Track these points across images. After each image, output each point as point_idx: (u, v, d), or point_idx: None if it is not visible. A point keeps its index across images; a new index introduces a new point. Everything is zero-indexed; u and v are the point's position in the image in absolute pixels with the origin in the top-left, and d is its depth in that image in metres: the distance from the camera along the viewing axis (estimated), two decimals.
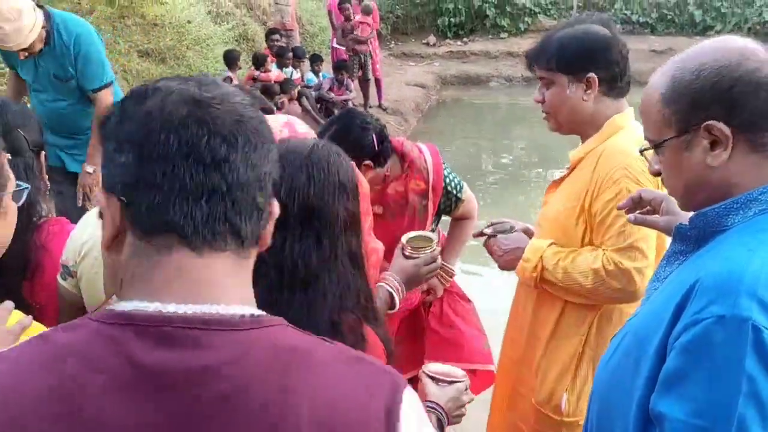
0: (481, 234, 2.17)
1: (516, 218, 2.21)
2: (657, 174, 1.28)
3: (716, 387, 0.98)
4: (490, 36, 16.20)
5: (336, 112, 9.06)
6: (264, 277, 1.02)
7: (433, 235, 2.07)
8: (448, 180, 2.59)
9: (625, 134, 1.90)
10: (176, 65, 7.56)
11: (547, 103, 1.96)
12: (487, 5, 16.21)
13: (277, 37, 9.24)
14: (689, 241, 1.21)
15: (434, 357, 2.50)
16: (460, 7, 16.28)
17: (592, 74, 1.87)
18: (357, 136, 2.34)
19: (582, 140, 1.99)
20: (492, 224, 2.16)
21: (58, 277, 1.53)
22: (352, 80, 9.63)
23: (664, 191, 1.43)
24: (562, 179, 2.03)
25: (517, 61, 14.41)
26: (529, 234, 2.10)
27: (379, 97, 10.37)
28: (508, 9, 16.25)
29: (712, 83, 1.10)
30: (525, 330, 2.09)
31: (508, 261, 2.04)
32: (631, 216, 1.59)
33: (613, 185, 1.81)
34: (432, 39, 16.27)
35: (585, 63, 1.87)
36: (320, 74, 9.69)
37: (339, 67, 9.39)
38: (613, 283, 1.82)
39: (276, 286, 1.17)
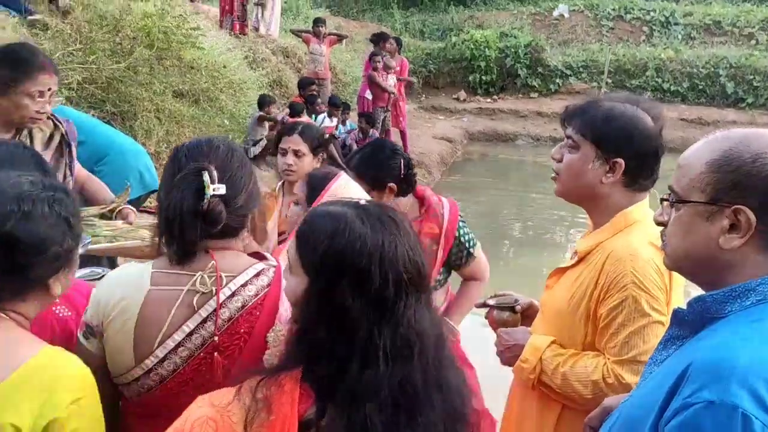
0: (484, 305, 2.13)
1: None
2: (660, 224, 1.27)
3: None
4: (520, 95, 16.38)
5: None
6: None
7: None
8: (462, 231, 2.67)
9: (637, 230, 1.80)
10: (209, 107, 7.76)
11: (563, 165, 1.86)
12: (519, 65, 16.43)
13: (314, 87, 9.45)
14: (686, 326, 1.20)
15: None
16: (492, 65, 16.52)
17: (620, 160, 1.77)
18: (386, 158, 2.60)
19: (589, 217, 1.92)
20: (495, 296, 2.13)
21: (80, 336, 1.50)
22: (377, 131, 9.77)
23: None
24: (567, 268, 1.93)
25: (545, 121, 14.54)
26: (533, 311, 2.06)
27: (405, 148, 10.49)
28: (540, 70, 16.45)
29: (764, 176, 1.11)
30: (522, 428, 1.99)
31: (508, 358, 1.96)
32: None
33: (619, 292, 1.72)
34: (462, 94, 16.49)
35: (619, 145, 1.77)
36: (347, 123, 9.84)
37: (363, 116, 9.58)
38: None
39: None
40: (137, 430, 1.52)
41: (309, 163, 2.84)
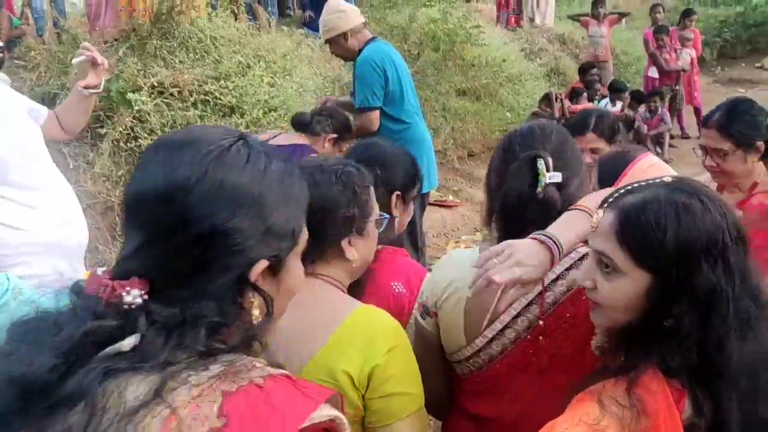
0: None
1: None
2: None
3: None
4: None
5: (649, 144, 8.60)
6: None
7: None
8: None
9: None
10: (490, 102, 7.94)
11: None
12: None
13: (595, 70, 9.12)
14: None
15: None
16: None
17: None
18: (754, 113, 2.38)
19: None
20: None
21: (417, 316, 1.63)
22: (666, 110, 9.06)
23: None
24: None
25: None
26: None
27: (699, 127, 9.55)
28: None
29: None
30: None
31: None
32: None
33: None
34: (767, 62, 14.48)
35: None
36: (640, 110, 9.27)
37: (651, 95, 8.97)
38: None
39: None
40: (466, 405, 1.61)
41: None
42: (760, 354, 1.12)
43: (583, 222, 1.34)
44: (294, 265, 0.98)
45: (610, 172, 1.85)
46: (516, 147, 1.51)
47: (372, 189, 1.56)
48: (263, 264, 0.89)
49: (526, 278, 1.28)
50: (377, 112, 3.98)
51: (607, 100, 8.77)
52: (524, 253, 1.29)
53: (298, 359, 1.38)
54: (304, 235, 0.98)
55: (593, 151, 2.76)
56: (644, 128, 8.76)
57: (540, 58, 10.34)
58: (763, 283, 1.17)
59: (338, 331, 1.39)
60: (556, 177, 1.42)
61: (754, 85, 13.76)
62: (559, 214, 1.43)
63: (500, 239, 1.49)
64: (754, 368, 1.11)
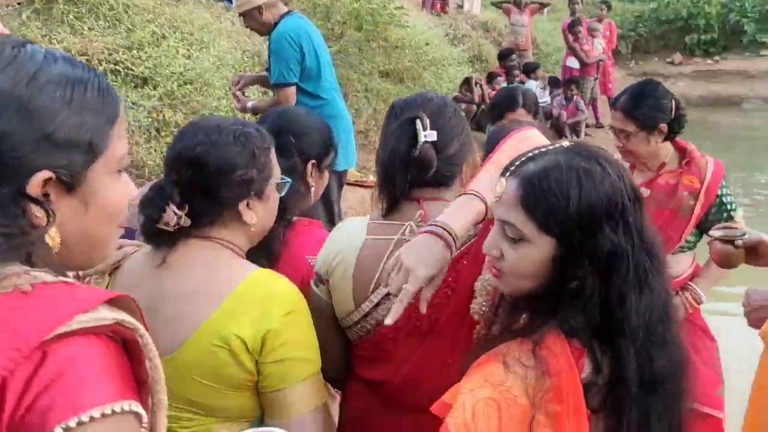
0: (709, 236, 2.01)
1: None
2: None
3: None
4: (747, 53, 14.70)
5: (566, 132, 8.89)
6: None
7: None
8: (724, 191, 2.50)
9: None
10: (412, 84, 7.98)
11: None
12: (746, 20, 14.73)
13: (514, 57, 9.32)
14: None
15: None
16: (713, 23, 15.01)
17: None
18: (659, 95, 2.49)
19: None
20: (723, 227, 2.01)
21: (312, 284, 1.63)
22: (581, 98, 9.41)
23: None
24: None
25: None
26: (764, 249, 1.88)
27: None
28: None
29: None
30: None
31: (754, 320, 1.79)
32: None
33: None
34: (677, 57, 15.20)
35: None
36: (553, 95, 9.58)
37: (568, 83, 9.28)
38: None
39: None
40: (359, 371, 1.63)
41: None
42: (655, 308, 1.16)
43: (474, 206, 1.36)
44: (104, 182, 0.88)
45: (494, 144, 1.96)
46: (398, 111, 1.55)
47: (272, 151, 1.52)
48: (43, 175, 0.81)
49: (430, 274, 1.29)
50: (293, 88, 3.92)
51: (532, 82, 8.99)
52: (417, 254, 1.30)
53: (190, 323, 1.35)
54: (116, 150, 0.89)
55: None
56: (564, 116, 9.04)
57: (463, 44, 10.48)
58: (657, 239, 1.20)
59: (232, 295, 1.36)
60: (432, 136, 1.46)
61: (665, 79, 14.37)
62: (437, 174, 1.48)
63: (382, 204, 1.52)
64: (650, 322, 1.15)
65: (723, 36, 15.18)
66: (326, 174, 2.00)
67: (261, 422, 1.42)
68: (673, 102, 2.48)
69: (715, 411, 2.45)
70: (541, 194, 1.14)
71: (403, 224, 1.50)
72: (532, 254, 1.17)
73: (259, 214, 1.47)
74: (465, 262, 1.46)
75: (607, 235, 1.12)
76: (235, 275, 1.39)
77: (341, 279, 1.54)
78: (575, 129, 9.15)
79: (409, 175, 1.49)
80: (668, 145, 2.55)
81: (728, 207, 2.50)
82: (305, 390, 1.37)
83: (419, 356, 1.50)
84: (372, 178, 6.57)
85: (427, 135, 1.47)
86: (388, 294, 1.48)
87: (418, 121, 1.48)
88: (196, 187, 1.40)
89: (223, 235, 1.45)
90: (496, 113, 3.35)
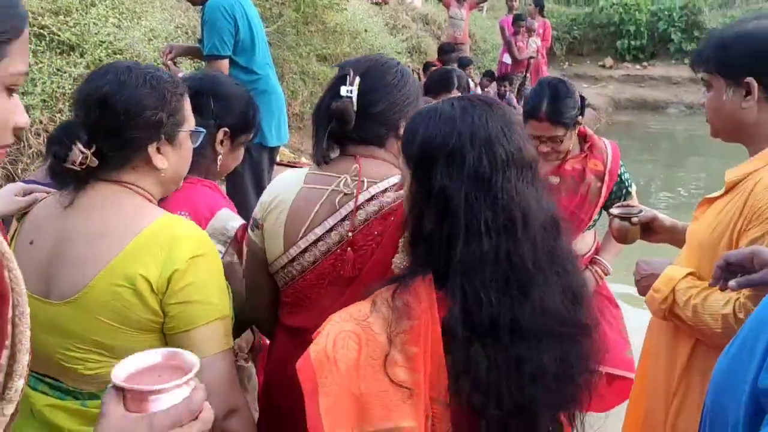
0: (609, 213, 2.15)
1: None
2: None
3: None
4: (672, 61, 15.35)
5: None
6: None
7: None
8: (623, 170, 2.70)
9: None
10: None
11: (705, 107, 1.81)
12: (673, 29, 15.38)
13: (455, 54, 9.44)
14: None
15: None
16: (642, 30, 15.60)
17: (750, 78, 1.66)
18: (569, 92, 2.60)
19: (749, 154, 1.85)
20: (622, 205, 2.14)
21: (249, 230, 1.68)
22: (513, 94, 9.64)
23: None
24: (714, 199, 1.83)
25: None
26: (657, 225, 2.04)
27: None
28: (696, 33, 15.28)
29: None
30: (659, 360, 1.93)
31: (643, 288, 1.90)
32: (732, 283, 1.45)
33: (763, 223, 1.61)
34: (609, 61, 15.72)
35: (745, 65, 1.67)
36: (488, 88, 9.76)
37: (501, 79, 9.51)
38: None
39: None
40: (284, 318, 1.67)
41: None
42: (500, 259, 1.18)
43: None
44: None
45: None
46: (339, 68, 1.62)
47: (186, 100, 1.51)
48: None
49: None
50: (226, 62, 3.87)
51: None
52: None
53: (95, 264, 1.34)
54: (10, 65, 0.87)
55: None
56: None
57: (402, 35, 10.55)
58: (524, 198, 1.23)
59: (139, 237, 1.35)
60: (353, 92, 1.52)
61: (597, 81, 14.93)
62: (361, 130, 1.55)
63: (312, 157, 1.59)
64: (495, 271, 1.18)
65: (651, 43, 15.79)
66: (239, 153, 2.00)
67: None
68: (576, 92, 2.61)
69: (626, 372, 2.61)
70: (406, 133, 1.28)
71: (339, 176, 1.56)
72: (406, 191, 1.28)
73: (170, 160, 1.46)
74: (393, 218, 1.52)
75: (439, 172, 1.19)
76: (142, 219, 1.39)
77: (274, 224, 1.59)
78: None
79: (330, 128, 1.54)
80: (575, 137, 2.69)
81: (627, 184, 2.70)
82: (209, 333, 1.37)
83: (341, 304, 1.51)
84: (305, 160, 6.57)
85: (348, 91, 1.52)
86: (315, 241, 1.54)
87: (347, 78, 1.54)
88: (104, 127, 1.38)
89: (132, 179, 1.43)
90: (432, 93, 3.43)
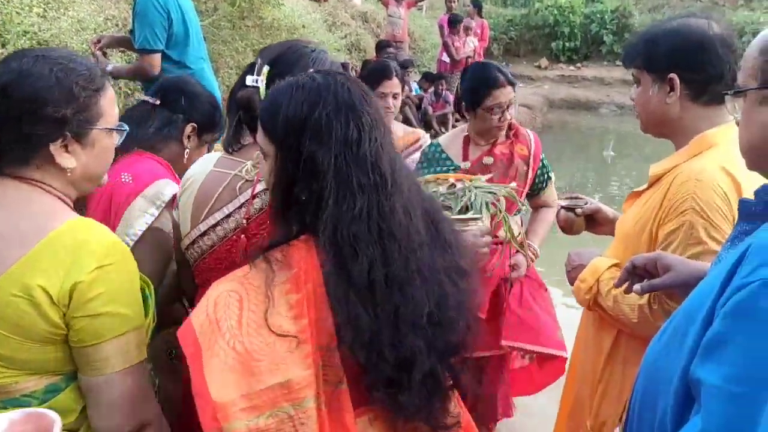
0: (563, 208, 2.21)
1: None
2: None
3: (757, 352, 0.92)
4: (605, 62, 15.82)
5: (434, 124, 9.16)
6: None
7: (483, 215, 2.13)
8: (543, 156, 2.84)
9: (713, 153, 1.70)
10: None
11: (634, 102, 1.86)
12: (605, 31, 15.84)
13: (391, 49, 9.45)
14: (756, 218, 1.16)
15: (511, 337, 2.63)
16: (576, 32, 16.01)
17: (673, 75, 1.72)
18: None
19: (675, 149, 1.90)
20: (569, 197, 2.21)
21: (172, 211, 1.75)
22: (451, 93, 9.74)
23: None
24: (641, 192, 1.89)
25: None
26: (601, 216, 2.13)
27: None
28: (627, 36, 15.77)
29: None
30: (588, 347, 1.99)
31: (573, 278, 1.95)
32: (637, 287, 1.50)
33: (678, 216, 1.66)
34: (544, 62, 16.08)
35: (668, 61, 1.72)
36: (429, 91, 9.82)
37: (438, 77, 9.61)
38: (658, 323, 1.57)
39: None
40: (197, 300, 1.66)
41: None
42: (372, 221, 1.24)
43: None
44: None
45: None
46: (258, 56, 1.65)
47: (105, 94, 1.38)
48: None
49: None
50: (158, 56, 3.75)
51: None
52: None
53: None
54: None
55: (395, 96, 3.01)
56: (430, 109, 9.36)
57: (341, 32, 10.50)
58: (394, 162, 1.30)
59: (42, 243, 1.26)
60: (258, 82, 1.56)
61: (533, 81, 15.24)
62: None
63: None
64: (381, 222, 1.24)
65: (585, 45, 16.23)
66: (204, 150, 2.10)
67: (76, 376, 1.35)
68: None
69: (558, 351, 2.68)
70: (268, 107, 1.30)
71: (244, 162, 1.59)
72: (270, 165, 1.30)
73: (80, 160, 1.35)
74: None
75: (307, 143, 1.23)
76: (48, 222, 1.29)
77: (185, 203, 1.63)
78: (443, 121, 9.47)
79: (238, 116, 1.59)
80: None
81: (548, 168, 2.86)
82: (118, 347, 1.31)
83: None
84: None
85: (254, 80, 1.55)
86: (214, 225, 1.59)
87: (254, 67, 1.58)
88: (3, 118, 1.28)
89: (36, 177, 1.33)
90: (371, 81, 3.41)
